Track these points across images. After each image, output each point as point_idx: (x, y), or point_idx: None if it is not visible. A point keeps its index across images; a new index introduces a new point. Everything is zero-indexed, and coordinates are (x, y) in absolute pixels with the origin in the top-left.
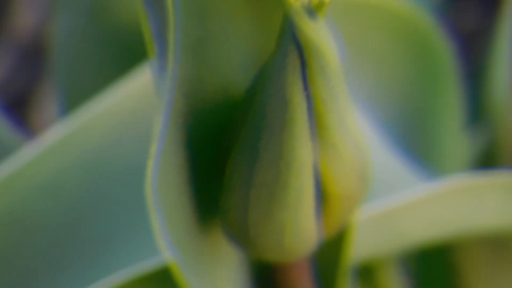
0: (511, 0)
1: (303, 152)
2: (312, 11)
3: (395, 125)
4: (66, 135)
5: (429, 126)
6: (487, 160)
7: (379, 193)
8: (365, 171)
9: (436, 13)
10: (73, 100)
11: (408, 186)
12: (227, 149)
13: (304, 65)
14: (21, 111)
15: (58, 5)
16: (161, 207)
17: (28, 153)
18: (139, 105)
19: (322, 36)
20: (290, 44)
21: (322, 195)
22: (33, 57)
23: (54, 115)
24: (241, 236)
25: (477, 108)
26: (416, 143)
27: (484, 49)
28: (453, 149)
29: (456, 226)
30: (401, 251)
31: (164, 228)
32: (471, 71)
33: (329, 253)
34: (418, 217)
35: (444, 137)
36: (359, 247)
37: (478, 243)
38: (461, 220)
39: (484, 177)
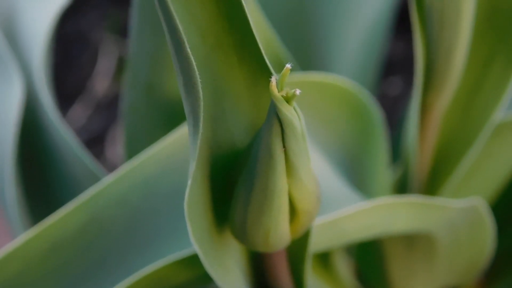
0: (417, 84)
1: (281, 184)
2: (287, 99)
3: (343, 165)
4: (132, 166)
5: (365, 165)
6: (402, 187)
7: (331, 207)
8: (319, 195)
9: (372, 85)
10: (134, 148)
11: (349, 203)
12: (234, 181)
13: (282, 130)
14: (95, 148)
15: (124, 83)
16: (189, 218)
17: (107, 178)
18: (178, 149)
19: (292, 113)
20: (274, 117)
21: (292, 210)
22: (103, 110)
23: (116, 152)
24: (242, 236)
25: (397, 151)
26: (356, 177)
27: (404, 108)
28: (381, 180)
29: (379, 229)
30: (343, 245)
31: (191, 231)
32: (396, 123)
33: (297, 246)
34: (355, 223)
35: (375, 171)
36: (317, 242)
37: (396, 238)
38: (382, 225)
39: (399, 198)
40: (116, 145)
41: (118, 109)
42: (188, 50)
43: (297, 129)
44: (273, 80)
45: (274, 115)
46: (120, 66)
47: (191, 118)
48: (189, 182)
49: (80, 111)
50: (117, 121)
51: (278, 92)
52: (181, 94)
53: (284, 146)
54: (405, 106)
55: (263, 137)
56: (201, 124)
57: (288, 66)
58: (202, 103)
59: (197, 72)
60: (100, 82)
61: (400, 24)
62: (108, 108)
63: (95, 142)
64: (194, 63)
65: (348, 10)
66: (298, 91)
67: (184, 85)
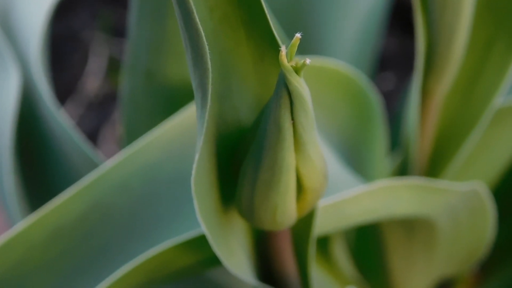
0: (417, 69)
1: (289, 159)
2: (296, 70)
3: (342, 150)
4: (132, 151)
5: (364, 150)
6: (402, 172)
7: (332, 190)
8: (326, 172)
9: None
10: (133, 135)
11: (350, 186)
12: (240, 158)
13: (291, 103)
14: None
15: (123, 71)
16: (196, 195)
17: (107, 163)
18: (178, 134)
19: (302, 85)
20: (283, 90)
21: (299, 188)
22: (95, 109)
23: (109, 150)
24: (249, 214)
25: (396, 139)
26: (356, 162)
27: (400, 102)
28: (380, 165)
29: (381, 212)
30: (345, 228)
31: (198, 208)
32: (391, 115)
33: (302, 227)
34: (357, 205)
35: (374, 158)
36: (320, 225)
37: (396, 226)
38: (384, 208)
39: (401, 181)
40: (109, 143)
41: (110, 108)
42: (197, 20)
43: (306, 101)
44: (283, 50)
45: (283, 86)
46: (111, 66)
47: (199, 91)
48: (196, 156)
49: (71, 110)
50: (109, 120)
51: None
52: (189, 68)
53: (292, 119)
54: (398, 101)
55: (272, 110)
56: (209, 97)
57: (298, 35)
58: (210, 75)
59: (205, 43)
60: (92, 82)
61: (393, 20)
62: (100, 107)
63: (88, 141)
64: (202, 34)
65: (342, 4)
66: (308, 60)
67: (192, 58)
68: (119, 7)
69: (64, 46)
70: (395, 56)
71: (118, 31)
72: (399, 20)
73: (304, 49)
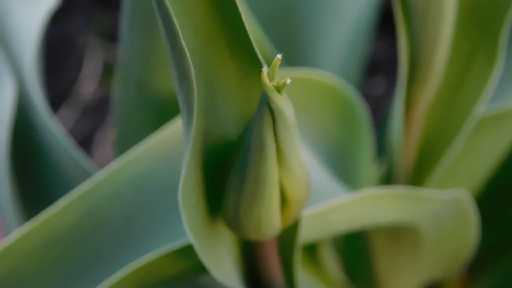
0: (400, 80)
1: (272, 172)
2: (278, 89)
3: (329, 160)
4: (124, 162)
5: (350, 159)
6: (387, 180)
7: (318, 199)
8: (309, 184)
9: (355, 85)
10: (126, 143)
11: (336, 195)
12: (226, 171)
13: (273, 120)
14: (82, 151)
15: (115, 80)
16: (184, 207)
17: (99, 174)
18: (169, 144)
19: (283, 103)
20: (265, 107)
21: (283, 199)
22: (90, 114)
23: (104, 155)
24: (234, 225)
25: (382, 146)
26: (342, 171)
27: (387, 108)
28: (367, 174)
29: (366, 220)
30: (332, 236)
31: (185, 220)
32: (379, 122)
33: (287, 236)
34: (342, 214)
35: (360, 165)
36: (306, 233)
37: (382, 232)
38: (369, 216)
39: (385, 189)
40: (104, 148)
41: (105, 113)
42: (182, 41)
43: (287, 119)
44: (265, 70)
45: (265, 104)
46: (106, 70)
47: (185, 109)
48: (183, 171)
49: (67, 115)
50: (104, 125)
51: (269, 82)
52: (175, 87)
53: (275, 135)
54: (388, 105)
55: (255, 126)
56: (195, 114)
57: (279, 56)
58: (196, 93)
59: (190, 63)
60: (87, 86)
61: (383, 25)
62: (95, 111)
63: (83, 146)
64: (188, 54)
65: (332, 10)
66: (288, 81)
67: (178, 77)
68: (114, 12)
69: (59, 51)
70: (384, 60)
71: (112, 36)
72: (388, 25)
73: (293, 55)
